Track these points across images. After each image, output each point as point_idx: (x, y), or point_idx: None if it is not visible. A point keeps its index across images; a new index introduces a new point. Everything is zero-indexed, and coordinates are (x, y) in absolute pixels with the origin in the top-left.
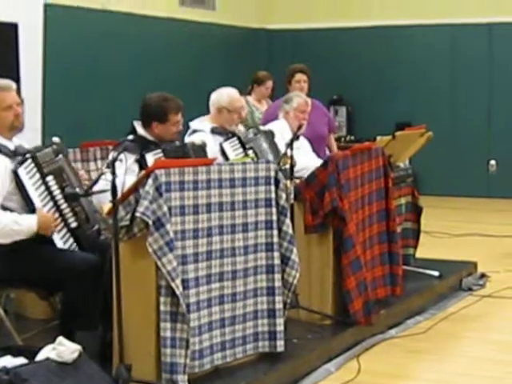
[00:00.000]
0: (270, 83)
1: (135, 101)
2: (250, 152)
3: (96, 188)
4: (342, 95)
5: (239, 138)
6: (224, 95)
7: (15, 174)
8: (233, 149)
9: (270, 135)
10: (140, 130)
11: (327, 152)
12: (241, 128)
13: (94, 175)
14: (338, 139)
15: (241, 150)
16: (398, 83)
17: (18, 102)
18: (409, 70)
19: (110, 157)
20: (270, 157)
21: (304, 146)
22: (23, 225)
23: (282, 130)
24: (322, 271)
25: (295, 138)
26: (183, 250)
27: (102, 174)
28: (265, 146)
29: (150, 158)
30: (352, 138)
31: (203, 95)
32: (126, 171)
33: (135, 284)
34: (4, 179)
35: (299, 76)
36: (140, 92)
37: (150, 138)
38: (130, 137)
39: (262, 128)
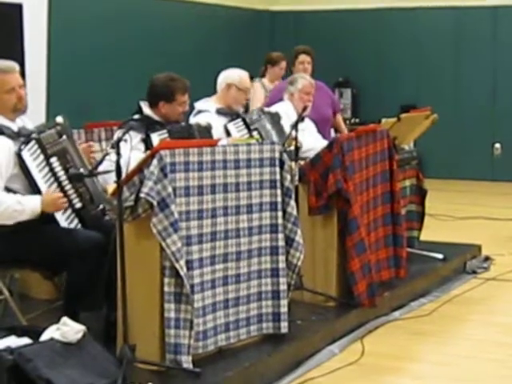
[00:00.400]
0: (283, 64)
1: (140, 82)
2: (255, 133)
3: (101, 168)
4: (348, 77)
5: (244, 120)
6: (235, 73)
7: (19, 156)
8: (237, 130)
9: (275, 117)
10: (146, 110)
11: (333, 133)
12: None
13: (98, 156)
14: (343, 121)
15: (245, 131)
16: (403, 66)
17: (20, 84)
18: (414, 53)
19: (115, 137)
20: (275, 138)
21: (309, 127)
22: (26, 205)
23: (286, 111)
24: (326, 253)
25: (300, 119)
26: (188, 231)
27: (107, 154)
28: (269, 127)
29: (156, 138)
30: (357, 120)
31: (208, 76)
32: (132, 150)
33: (139, 265)
34: (8, 161)
35: (303, 57)
36: (145, 73)
37: (155, 118)
38: (136, 116)
39: (267, 110)
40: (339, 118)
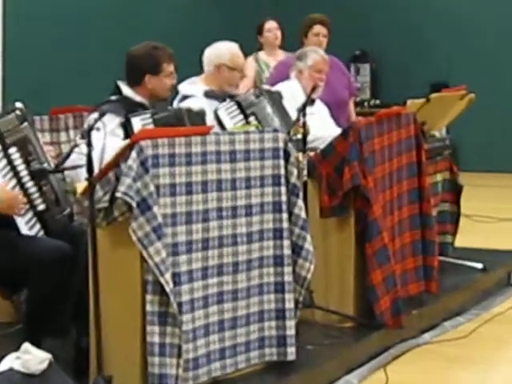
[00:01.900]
0: (269, 24)
1: (114, 58)
2: (252, 119)
3: (68, 163)
4: (366, 50)
5: (238, 103)
6: (223, 50)
7: None
8: (230, 116)
9: (276, 97)
10: (126, 90)
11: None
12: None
13: (65, 148)
14: (360, 103)
15: (240, 116)
16: (433, 36)
17: None
18: (446, 21)
19: (86, 124)
20: (277, 124)
21: (321, 111)
22: None
23: (293, 92)
24: (341, 263)
25: (309, 101)
26: (174, 238)
27: (76, 146)
28: (269, 110)
29: (137, 123)
30: (377, 101)
31: (196, 52)
32: (106, 135)
33: (116, 279)
34: None
35: (318, 28)
36: (120, 48)
37: (137, 99)
38: (114, 97)
39: (266, 88)
40: (351, 103)
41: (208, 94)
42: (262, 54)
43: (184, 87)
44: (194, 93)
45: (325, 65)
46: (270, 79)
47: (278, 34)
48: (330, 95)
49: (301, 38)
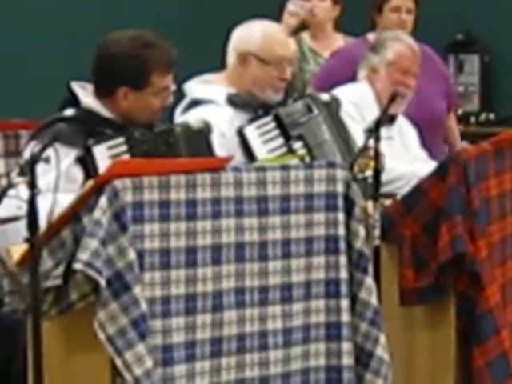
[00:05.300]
0: None
1: (74, 46)
2: (299, 145)
3: None
4: (472, 34)
5: (277, 118)
6: (255, 33)
7: None
8: (264, 139)
9: (334, 108)
10: (86, 100)
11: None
12: None
13: None
14: (464, 118)
15: (280, 140)
16: None
17: None
18: None
19: (27, 153)
20: (338, 155)
21: (405, 134)
22: None
23: (360, 101)
24: (434, 379)
25: (386, 117)
26: (166, 338)
27: (10, 186)
28: (327, 135)
29: (103, 154)
30: (491, 116)
31: (215, 38)
32: (58, 181)
33: None
34: None
35: (398, 0)
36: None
37: (104, 113)
38: (69, 112)
39: (321, 97)
40: (452, 118)
41: (233, 100)
42: (306, 37)
43: (195, 87)
44: (211, 96)
45: (414, 61)
46: (318, 76)
47: (322, 5)
48: (419, 108)
49: (371, 16)
